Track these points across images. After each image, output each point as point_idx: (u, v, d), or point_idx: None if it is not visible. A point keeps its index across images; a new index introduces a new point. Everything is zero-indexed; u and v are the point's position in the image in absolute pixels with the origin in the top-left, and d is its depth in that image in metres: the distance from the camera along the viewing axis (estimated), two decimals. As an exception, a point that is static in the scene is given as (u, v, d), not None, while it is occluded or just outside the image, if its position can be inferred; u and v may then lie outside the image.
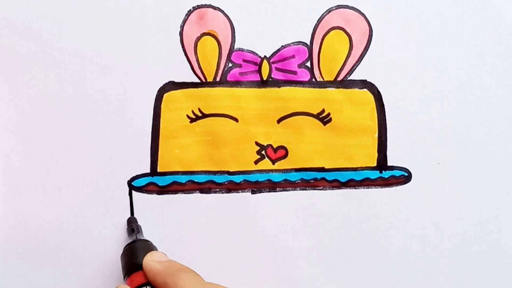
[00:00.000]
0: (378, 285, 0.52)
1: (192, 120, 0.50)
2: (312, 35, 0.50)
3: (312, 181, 0.51)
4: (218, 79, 0.50)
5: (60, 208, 0.50)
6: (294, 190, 0.51)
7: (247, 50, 0.50)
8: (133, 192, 0.50)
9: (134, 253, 0.46)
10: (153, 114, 0.50)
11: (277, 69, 0.50)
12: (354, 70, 0.50)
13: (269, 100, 0.50)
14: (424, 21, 0.50)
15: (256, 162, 0.51)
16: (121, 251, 0.48)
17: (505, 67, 0.51)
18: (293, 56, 0.50)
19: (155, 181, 0.50)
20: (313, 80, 0.50)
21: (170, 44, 0.49)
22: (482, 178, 0.52)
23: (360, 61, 0.50)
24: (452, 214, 0.52)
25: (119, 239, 0.51)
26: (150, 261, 0.44)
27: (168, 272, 0.43)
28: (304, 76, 0.50)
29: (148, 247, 0.47)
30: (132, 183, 0.50)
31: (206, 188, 0.51)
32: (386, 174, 0.51)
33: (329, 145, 0.51)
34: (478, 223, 0.52)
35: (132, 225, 0.49)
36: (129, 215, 0.51)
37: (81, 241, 0.51)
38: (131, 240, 0.48)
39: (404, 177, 0.51)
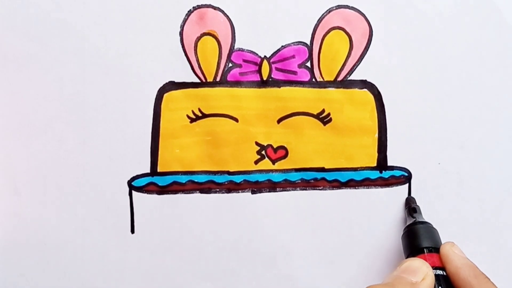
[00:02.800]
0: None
1: (192, 120, 0.50)
2: (312, 35, 0.50)
3: (312, 181, 0.51)
4: (218, 79, 0.50)
5: (60, 208, 0.50)
6: (294, 190, 0.51)
7: (247, 50, 0.50)
8: (133, 192, 0.50)
9: (432, 234, 0.47)
10: (153, 114, 0.50)
11: (277, 69, 0.50)
12: (354, 70, 0.50)
13: (269, 100, 0.50)
14: (424, 21, 0.50)
15: (256, 162, 0.51)
16: (403, 231, 0.49)
17: (505, 67, 0.51)
18: (293, 56, 0.50)
19: (155, 181, 0.50)
20: (313, 80, 0.50)
21: (170, 44, 0.49)
22: (482, 178, 0.52)
23: (360, 61, 0.50)
24: (452, 214, 0.52)
25: (119, 239, 0.51)
26: (453, 252, 0.44)
27: (473, 273, 0.43)
28: (304, 76, 0.50)
29: (432, 230, 0.48)
30: (132, 183, 0.50)
31: (206, 188, 0.51)
32: (386, 174, 0.51)
33: (329, 145, 0.51)
34: (478, 223, 0.52)
35: (412, 205, 0.50)
36: (129, 215, 0.51)
37: (81, 241, 0.51)
38: (413, 221, 0.48)
39: (404, 177, 0.51)
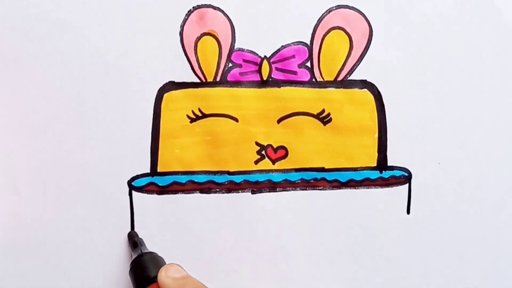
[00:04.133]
0: (378, 285, 0.52)
1: (192, 120, 0.50)
2: (312, 35, 0.50)
3: (312, 181, 0.51)
4: (218, 79, 0.50)
5: (60, 208, 0.50)
6: (294, 190, 0.51)
7: (247, 50, 0.50)
8: (133, 192, 0.50)
9: (145, 267, 0.46)
10: (153, 114, 0.50)
11: (277, 69, 0.50)
12: (354, 70, 0.50)
13: (269, 100, 0.50)
14: (424, 21, 0.50)
15: (256, 162, 0.51)
16: (128, 267, 0.48)
17: (505, 67, 0.51)
18: (293, 56, 0.50)
19: (155, 181, 0.50)
20: (313, 80, 0.50)
21: (170, 44, 0.49)
22: (482, 178, 0.52)
23: (360, 61, 0.50)
24: (452, 214, 0.52)
25: (119, 239, 0.51)
26: (165, 277, 0.43)
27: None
28: (304, 76, 0.50)
29: (157, 260, 0.47)
30: (132, 183, 0.50)
31: (206, 188, 0.51)
32: (386, 174, 0.51)
33: (329, 145, 0.51)
34: (478, 223, 0.52)
35: (135, 239, 0.50)
36: (129, 215, 0.51)
37: (81, 241, 0.51)
38: (137, 254, 0.48)
39: (404, 177, 0.51)
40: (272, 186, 0.51)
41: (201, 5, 0.49)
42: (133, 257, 0.48)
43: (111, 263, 0.51)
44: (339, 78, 0.50)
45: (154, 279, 0.45)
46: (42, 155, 0.50)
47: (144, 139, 0.50)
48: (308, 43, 0.50)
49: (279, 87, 0.50)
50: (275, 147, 0.51)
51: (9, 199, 0.50)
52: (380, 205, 0.52)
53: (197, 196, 0.51)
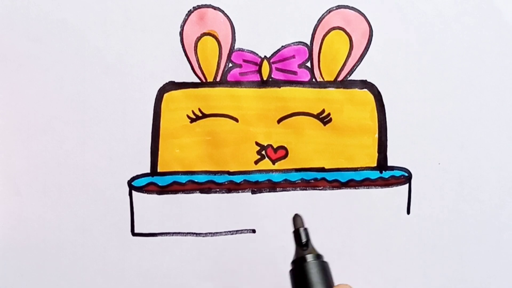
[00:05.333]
0: (378, 285, 0.52)
1: (192, 120, 0.50)
2: (312, 35, 0.50)
3: (312, 181, 0.51)
4: (218, 79, 0.50)
5: (60, 208, 0.50)
6: (294, 190, 0.51)
7: (247, 50, 0.50)
8: (133, 192, 0.50)
9: (312, 278, 0.39)
10: (153, 114, 0.50)
11: (277, 69, 0.50)
12: (354, 70, 0.50)
13: (269, 100, 0.50)
14: (424, 21, 0.50)
15: (256, 162, 0.51)
16: (290, 266, 0.41)
17: (505, 67, 0.51)
18: (293, 56, 0.50)
19: (155, 181, 0.50)
20: (313, 80, 0.50)
21: (170, 44, 0.49)
22: (482, 178, 0.52)
23: (360, 61, 0.50)
24: (452, 214, 0.52)
25: (119, 239, 0.51)
26: None
27: None
28: (304, 76, 0.50)
29: (324, 268, 0.40)
30: (132, 183, 0.50)
31: (206, 188, 0.51)
32: (386, 174, 0.51)
33: (329, 145, 0.51)
34: (478, 223, 0.52)
35: (301, 230, 0.41)
36: (129, 215, 0.50)
37: (81, 241, 0.51)
38: (302, 255, 0.40)
39: (404, 177, 0.51)
40: (272, 186, 0.51)
41: (201, 5, 0.49)
42: (297, 255, 0.41)
43: (111, 263, 0.51)
44: (339, 78, 0.50)
45: None
46: (42, 155, 0.50)
47: (144, 139, 0.50)
48: (308, 43, 0.50)
49: (279, 87, 0.50)
50: (275, 147, 0.51)
51: (9, 199, 0.50)
52: (380, 205, 0.52)
53: (197, 196, 0.51)
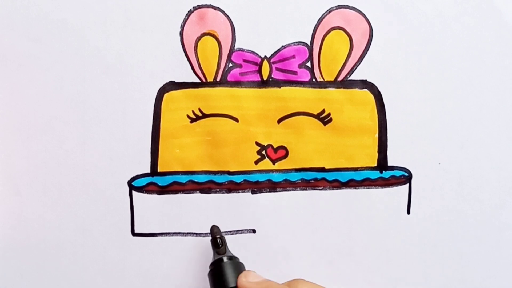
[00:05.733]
0: (378, 285, 0.52)
1: (193, 120, 0.50)
2: (312, 35, 0.50)
3: (312, 181, 0.51)
4: (218, 79, 0.50)
5: (60, 208, 0.50)
6: (294, 190, 0.51)
7: (247, 50, 0.50)
8: (133, 192, 0.50)
9: (225, 274, 0.46)
10: (153, 114, 0.50)
11: (277, 69, 0.50)
12: (354, 70, 0.50)
13: (269, 100, 0.50)
14: (424, 21, 0.50)
15: (256, 162, 0.51)
16: (208, 268, 0.47)
17: (505, 67, 0.51)
18: (293, 56, 0.50)
19: (155, 181, 0.50)
20: (314, 80, 0.50)
21: (170, 44, 0.49)
22: (482, 178, 0.52)
23: (361, 61, 0.50)
24: (452, 214, 0.52)
25: (119, 239, 0.51)
26: (246, 282, 0.44)
27: None
28: (305, 76, 0.50)
29: (238, 266, 0.46)
30: (132, 183, 0.50)
31: (206, 188, 0.51)
32: (387, 174, 0.51)
33: (329, 145, 0.51)
34: (478, 223, 0.52)
35: (218, 237, 0.48)
36: (129, 215, 0.51)
37: (81, 241, 0.51)
38: (219, 257, 0.47)
39: (405, 177, 0.51)
40: (272, 186, 0.51)
41: (201, 5, 0.49)
42: (214, 258, 0.47)
43: (111, 263, 0.51)
44: (339, 78, 0.50)
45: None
46: (42, 155, 0.50)
47: (144, 139, 0.50)
48: (308, 43, 0.50)
49: (279, 87, 0.50)
50: (275, 147, 0.51)
51: (9, 199, 0.50)
52: (380, 205, 0.52)
53: (197, 196, 0.51)
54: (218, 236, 0.48)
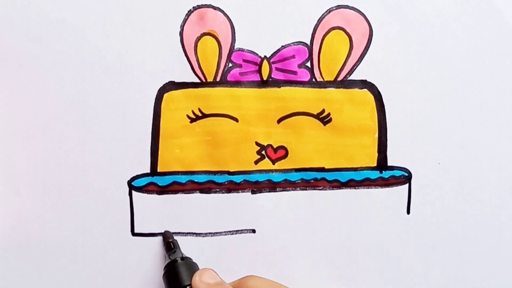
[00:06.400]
0: (378, 285, 0.52)
1: (192, 120, 0.50)
2: (312, 35, 0.50)
3: (312, 181, 0.51)
4: (218, 79, 0.50)
5: (60, 208, 0.50)
6: (294, 190, 0.51)
7: (247, 50, 0.50)
8: (133, 192, 0.50)
9: (179, 273, 0.46)
10: (153, 114, 0.50)
11: (277, 69, 0.50)
12: (354, 70, 0.50)
13: (269, 100, 0.50)
14: (424, 21, 0.50)
15: (256, 162, 0.51)
16: (163, 270, 0.48)
17: (505, 67, 0.51)
18: (293, 56, 0.50)
19: (155, 181, 0.50)
20: (313, 80, 0.50)
21: (170, 44, 0.49)
22: (482, 178, 0.52)
23: (360, 61, 0.50)
24: (452, 214, 0.52)
25: (119, 239, 0.51)
26: (199, 282, 0.44)
27: None
28: (304, 76, 0.50)
29: (192, 266, 0.47)
30: (132, 183, 0.50)
31: (206, 188, 0.51)
32: (386, 174, 0.51)
33: (329, 145, 0.51)
34: (478, 223, 0.52)
35: (170, 241, 0.49)
36: (129, 215, 0.51)
37: (81, 241, 0.51)
38: (172, 259, 0.48)
39: (404, 177, 0.51)
40: (272, 186, 0.51)
41: (201, 5, 0.49)
42: (168, 261, 0.48)
43: (111, 263, 0.51)
44: (339, 78, 0.50)
45: (187, 287, 0.45)
46: (42, 155, 0.50)
47: (144, 139, 0.50)
48: (308, 43, 0.50)
49: (279, 87, 0.50)
50: (275, 147, 0.51)
51: (9, 199, 0.50)
52: (380, 205, 0.52)
53: (197, 196, 0.51)
54: (170, 240, 0.49)
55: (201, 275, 0.45)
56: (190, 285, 0.45)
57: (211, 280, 0.44)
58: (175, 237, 0.51)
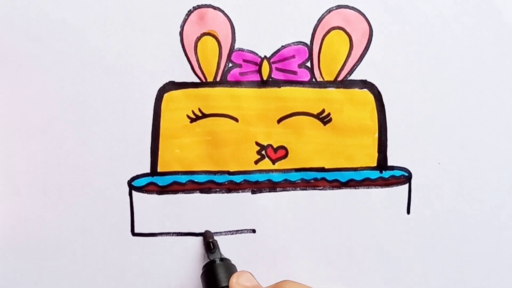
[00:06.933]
0: (378, 285, 0.52)
1: (192, 120, 0.50)
2: (312, 35, 0.50)
3: (312, 181, 0.51)
4: (218, 79, 0.50)
5: (60, 208, 0.50)
6: (294, 190, 0.51)
7: (247, 50, 0.50)
8: (133, 192, 0.50)
9: (217, 274, 0.47)
10: (153, 114, 0.50)
11: (277, 69, 0.50)
12: (354, 70, 0.50)
13: (269, 100, 0.50)
14: (424, 21, 0.50)
15: (256, 162, 0.51)
16: (201, 270, 0.48)
17: (505, 67, 0.51)
18: (293, 56, 0.50)
19: (155, 181, 0.50)
20: (313, 80, 0.50)
21: (170, 44, 0.49)
22: (482, 178, 0.52)
23: (360, 61, 0.50)
24: (452, 214, 0.52)
25: (119, 239, 0.51)
26: (236, 284, 0.44)
27: None
28: (304, 76, 0.50)
29: (230, 268, 0.48)
30: (132, 183, 0.50)
31: (206, 188, 0.51)
32: (386, 174, 0.51)
33: (329, 145, 0.51)
34: (478, 223, 0.52)
35: (210, 241, 0.50)
36: (129, 215, 0.51)
37: (81, 241, 0.51)
38: (212, 259, 0.48)
39: (404, 177, 0.51)
40: (272, 186, 0.51)
41: (201, 5, 0.49)
42: (206, 260, 0.49)
43: (111, 263, 0.51)
44: (339, 78, 0.50)
45: None
46: (42, 155, 0.50)
47: (144, 139, 0.50)
48: (308, 43, 0.50)
49: (279, 87, 0.50)
50: (275, 147, 0.51)
51: (9, 199, 0.50)
52: (380, 205, 0.52)
53: (197, 196, 0.51)
54: (210, 240, 0.49)
55: (238, 277, 0.45)
56: (227, 286, 0.45)
57: (248, 283, 0.45)
58: (175, 237, 0.51)
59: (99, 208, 0.50)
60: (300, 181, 0.51)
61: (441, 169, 0.52)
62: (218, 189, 0.51)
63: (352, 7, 0.50)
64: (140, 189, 0.50)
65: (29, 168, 0.50)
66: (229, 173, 0.51)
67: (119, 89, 0.49)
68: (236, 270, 0.48)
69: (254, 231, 0.51)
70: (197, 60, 0.50)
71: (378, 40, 0.50)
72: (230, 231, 0.51)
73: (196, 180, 0.51)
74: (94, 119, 0.50)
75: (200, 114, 0.50)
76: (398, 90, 0.51)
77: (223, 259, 0.48)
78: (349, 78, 0.50)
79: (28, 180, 0.50)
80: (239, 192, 0.51)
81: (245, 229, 0.51)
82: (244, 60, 0.50)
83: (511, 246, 0.53)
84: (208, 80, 0.50)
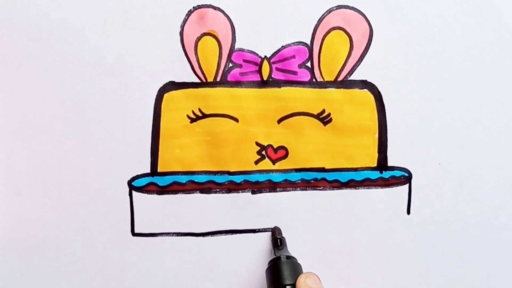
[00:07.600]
0: (378, 285, 0.52)
1: (192, 120, 0.50)
2: (312, 35, 0.50)
3: (312, 181, 0.51)
4: (218, 79, 0.50)
5: (60, 208, 0.50)
6: (294, 190, 0.51)
7: (247, 50, 0.50)
8: (133, 192, 0.50)
9: (283, 271, 0.47)
10: (153, 114, 0.50)
11: (277, 69, 0.50)
12: (354, 71, 0.50)
13: (269, 100, 0.50)
14: (424, 21, 0.50)
15: (256, 162, 0.51)
16: (266, 265, 0.49)
17: (505, 67, 0.51)
18: (293, 56, 0.50)
19: (155, 181, 0.50)
20: (314, 80, 0.50)
21: (170, 44, 0.49)
22: (482, 178, 0.52)
23: (361, 62, 0.50)
24: (452, 214, 0.52)
25: (119, 239, 0.51)
26: (304, 284, 0.45)
27: None
28: (305, 76, 0.50)
29: (296, 267, 0.48)
30: (132, 183, 0.50)
31: (206, 188, 0.51)
32: (387, 175, 0.51)
33: (329, 145, 0.51)
34: (478, 223, 0.52)
35: (278, 237, 0.50)
36: (129, 215, 0.51)
37: (81, 241, 0.51)
38: (278, 256, 0.49)
39: (405, 178, 0.51)
40: (272, 186, 0.51)
41: (201, 5, 0.49)
42: (273, 256, 0.49)
43: (111, 263, 0.51)
44: (340, 78, 0.50)
45: (291, 286, 0.46)
46: (42, 155, 0.50)
47: (144, 139, 0.50)
48: (308, 43, 0.50)
49: (279, 87, 0.50)
50: (275, 147, 0.51)
51: (9, 199, 0.50)
52: (380, 205, 0.52)
53: (197, 196, 0.51)
54: (279, 237, 0.50)
55: (306, 278, 0.45)
56: (291, 285, 0.46)
57: (315, 285, 0.45)
58: (175, 237, 0.51)
59: (99, 208, 0.50)
60: (300, 181, 0.51)
61: (441, 169, 0.52)
62: (218, 189, 0.51)
63: (352, 7, 0.50)
64: (140, 189, 0.50)
65: (29, 168, 0.50)
66: (229, 173, 0.51)
67: (119, 89, 0.49)
68: (301, 270, 0.48)
69: (254, 231, 0.51)
70: (197, 60, 0.50)
71: (378, 40, 0.50)
72: (230, 231, 0.51)
73: (196, 180, 0.51)
74: (94, 119, 0.50)
75: (200, 114, 0.50)
76: (398, 90, 0.51)
77: (289, 257, 0.48)
78: (349, 78, 0.50)
79: (28, 180, 0.50)
80: (239, 192, 0.51)
81: (245, 229, 0.51)
82: (244, 60, 0.50)
83: (511, 246, 0.53)
84: (208, 80, 0.50)
